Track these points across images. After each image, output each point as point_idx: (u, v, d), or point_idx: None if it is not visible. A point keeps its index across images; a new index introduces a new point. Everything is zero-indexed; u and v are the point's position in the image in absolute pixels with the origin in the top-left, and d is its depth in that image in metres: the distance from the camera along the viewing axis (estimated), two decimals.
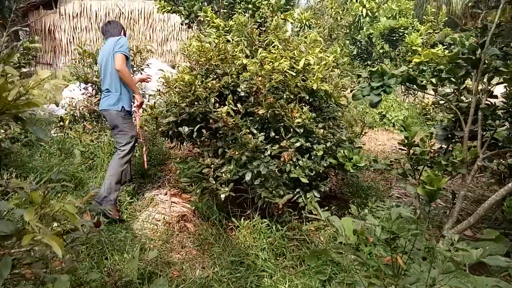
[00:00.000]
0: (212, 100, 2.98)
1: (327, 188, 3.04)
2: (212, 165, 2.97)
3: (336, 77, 3.50)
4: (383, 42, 7.19)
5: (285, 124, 2.92)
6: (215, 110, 2.91)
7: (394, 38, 7.15)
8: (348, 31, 6.76)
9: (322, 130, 2.97)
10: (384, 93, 2.65)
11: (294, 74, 2.89)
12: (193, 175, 3.04)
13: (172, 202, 3.64)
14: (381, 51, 7.16)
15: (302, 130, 2.87)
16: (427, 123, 6.24)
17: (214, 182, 2.89)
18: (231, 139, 2.94)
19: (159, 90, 3.53)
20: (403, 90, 6.99)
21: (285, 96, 2.96)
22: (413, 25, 7.05)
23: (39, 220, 1.04)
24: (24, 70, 5.82)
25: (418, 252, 1.52)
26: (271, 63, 3.00)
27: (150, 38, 10.65)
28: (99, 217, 1.37)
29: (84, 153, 4.18)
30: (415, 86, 2.79)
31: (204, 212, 3.18)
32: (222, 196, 2.83)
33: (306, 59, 3.06)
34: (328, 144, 2.90)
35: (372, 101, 2.61)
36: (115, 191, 3.37)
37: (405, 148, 2.87)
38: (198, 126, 2.96)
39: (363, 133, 3.23)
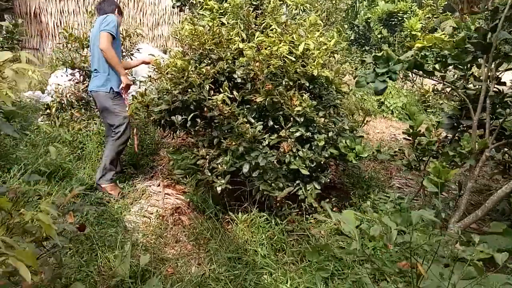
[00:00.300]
0: (207, 87, 2.80)
1: (328, 180, 2.91)
2: (207, 156, 2.81)
3: (336, 62, 3.33)
4: (381, 27, 6.99)
5: (284, 113, 2.76)
6: (209, 97, 2.74)
7: (393, 23, 6.95)
8: (345, 15, 6.55)
9: (323, 119, 2.82)
10: (390, 79, 2.50)
11: (294, 59, 2.72)
12: (187, 166, 2.88)
13: (165, 194, 3.49)
14: (379, 36, 6.96)
15: (302, 119, 2.71)
16: (427, 110, 6.12)
17: (209, 174, 2.75)
18: (227, 129, 2.78)
19: (150, 76, 3.34)
20: (401, 77, 6.83)
21: (284, 83, 2.79)
22: (412, 10, 6.85)
23: (7, 231, 0.88)
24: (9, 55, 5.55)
25: (442, 259, 1.40)
26: (269, 48, 2.82)
27: (140, 21, 10.29)
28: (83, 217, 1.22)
29: (72, 143, 4.00)
30: (421, 72, 2.64)
31: (199, 205, 3.04)
32: (219, 188, 2.69)
33: (306, 44, 2.89)
34: (330, 134, 2.75)
35: (377, 88, 2.45)
36: (111, 171, 3.33)
37: (410, 138, 2.74)
38: (192, 114, 2.79)
39: (365, 121, 3.08)
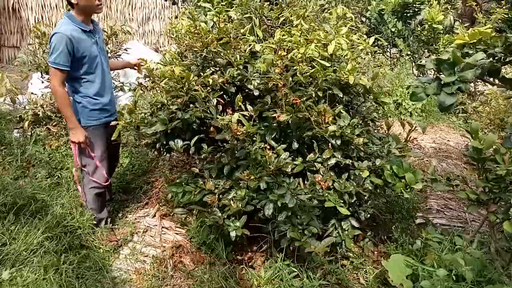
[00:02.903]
0: (214, 101, 2.18)
1: (368, 215, 2.31)
2: (216, 190, 2.20)
3: (370, 65, 2.73)
4: (396, 20, 6.36)
5: (314, 133, 2.15)
6: (218, 116, 2.12)
7: (408, 15, 6.32)
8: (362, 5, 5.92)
9: (361, 139, 2.21)
10: (459, 91, 1.90)
11: (327, 64, 2.11)
12: (191, 202, 2.27)
13: (162, 227, 2.88)
14: (393, 29, 6.34)
15: (338, 142, 2.10)
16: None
17: (220, 215, 2.13)
18: (242, 155, 2.16)
19: (141, 84, 2.72)
20: (418, 74, 6.22)
21: (313, 94, 2.17)
22: (429, 0, 6.24)
23: None
24: None
25: None
26: (293, 49, 2.20)
27: (129, 16, 9.55)
28: None
29: (49, 163, 3.35)
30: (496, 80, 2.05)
31: (208, 255, 2.42)
32: (232, 234, 2.07)
33: (337, 43, 2.28)
34: (378, 162, 2.14)
35: (443, 103, 1.85)
36: (101, 215, 2.74)
37: (475, 163, 2.15)
38: (197, 137, 2.17)
39: (410, 138, 2.47)
